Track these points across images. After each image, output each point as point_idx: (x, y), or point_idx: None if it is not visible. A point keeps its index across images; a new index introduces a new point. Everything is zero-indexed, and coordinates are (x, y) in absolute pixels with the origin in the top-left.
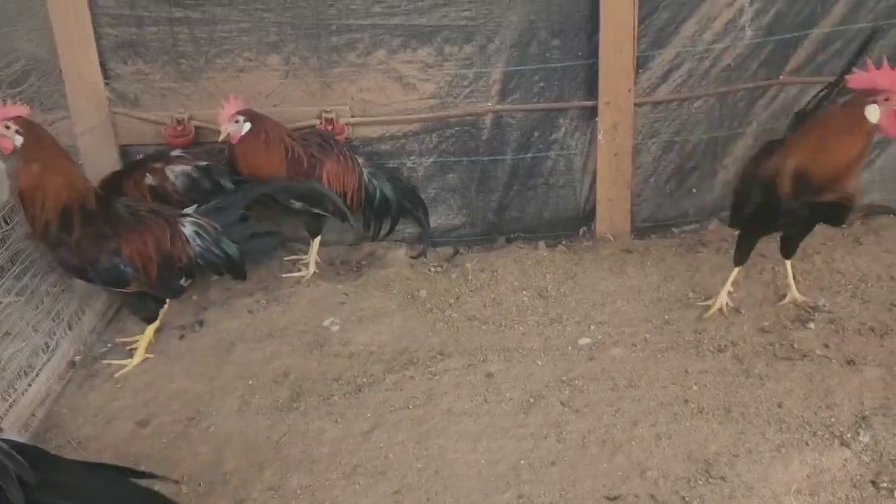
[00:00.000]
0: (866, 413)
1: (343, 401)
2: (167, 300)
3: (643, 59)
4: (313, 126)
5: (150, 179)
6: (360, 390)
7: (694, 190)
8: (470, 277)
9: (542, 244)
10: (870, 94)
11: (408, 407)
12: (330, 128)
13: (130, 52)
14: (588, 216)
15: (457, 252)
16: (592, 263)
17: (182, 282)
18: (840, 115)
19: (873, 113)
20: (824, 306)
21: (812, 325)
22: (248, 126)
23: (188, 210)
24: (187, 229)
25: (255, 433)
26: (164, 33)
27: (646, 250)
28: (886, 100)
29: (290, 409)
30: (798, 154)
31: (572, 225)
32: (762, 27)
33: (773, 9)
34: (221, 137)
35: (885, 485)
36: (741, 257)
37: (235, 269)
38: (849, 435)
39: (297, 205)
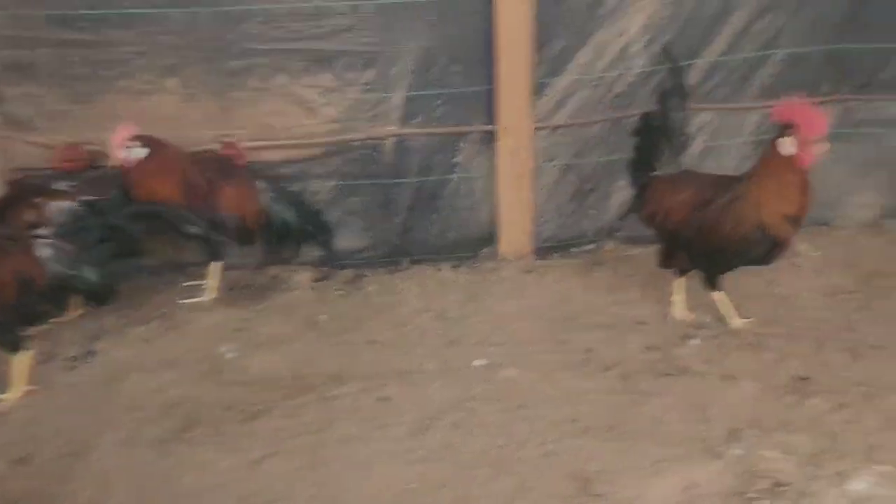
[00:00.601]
0: (739, 426)
1: (236, 430)
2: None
3: (541, 85)
4: (212, 150)
5: (28, 216)
6: (254, 418)
7: (592, 211)
8: (372, 300)
9: (445, 266)
10: (785, 128)
11: (302, 434)
12: (229, 152)
13: (21, 75)
14: (491, 237)
15: (360, 275)
16: (494, 284)
17: (43, 308)
18: (769, 162)
19: (785, 146)
20: (709, 323)
21: (694, 342)
22: (143, 151)
23: (44, 231)
24: (44, 252)
25: (142, 466)
26: (57, 56)
27: (546, 270)
28: (794, 134)
29: (180, 440)
30: (773, 205)
31: (476, 246)
32: (652, 56)
33: (662, 39)
34: (115, 163)
35: (752, 496)
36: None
37: (95, 293)
38: (722, 448)
39: (195, 230)
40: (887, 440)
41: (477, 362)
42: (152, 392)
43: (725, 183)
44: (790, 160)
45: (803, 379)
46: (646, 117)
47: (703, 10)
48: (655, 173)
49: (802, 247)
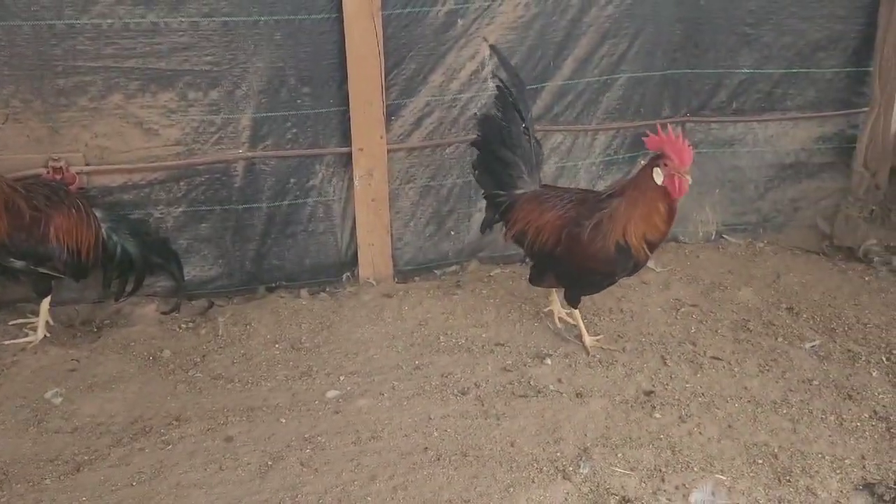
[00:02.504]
0: (588, 445)
1: (56, 484)
2: None
3: (394, 106)
4: (38, 175)
5: None
6: (78, 470)
7: (452, 232)
8: (221, 332)
9: (304, 292)
10: (656, 158)
11: (132, 484)
12: (59, 177)
13: None
14: (351, 261)
15: (212, 305)
16: (351, 311)
17: None
18: (642, 187)
19: (658, 175)
20: (567, 339)
21: (549, 361)
22: None
23: None
24: None
25: None
26: None
27: (406, 294)
28: (666, 164)
29: None
30: (639, 227)
31: (335, 271)
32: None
33: (512, 62)
34: None
35: None
36: (578, 301)
37: None
38: (571, 468)
39: (19, 264)
40: (725, 449)
41: (329, 393)
42: None
43: (591, 201)
44: (662, 189)
45: (648, 393)
46: (484, 124)
47: (549, 37)
48: (520, 191)
49: (650, 263)
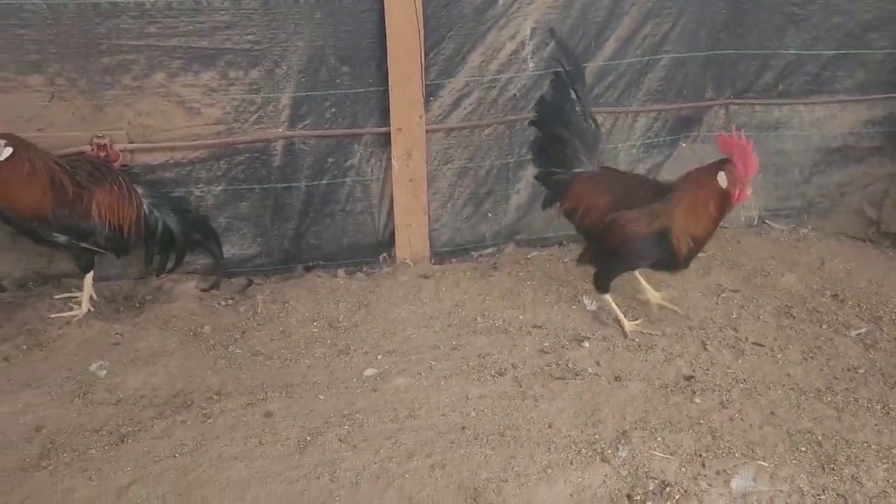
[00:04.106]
0: (626, 428)
1: (101, 454)
2: None
3: (433, 87)
4: (83, 152)
5: None
6: (122, 440)
7: (490, 214)
8: (260, 310)
9: (341, 272)
10: (723, 162)
11: (174, 455)
12: (103, 154)
13: None
14: (388, 242)
15: (250, 283)
16: (388, 291)
17: None
18: (702, 185)
19: (722, 179)
20: (606, 323)
21: (587, 344)
22: (8, 151)
23: None
24: None
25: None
26: None
27: (442, 275)
28: (731, 171)
29: (38, 468)
30: (683, 222)
31: (372, 251)
32: (543, 60)
33: (552, 43)
34: None
35: (638, 497)
36: (607, 287)
37: None
38: (609, 451)
39: (62, 238)
40: (767, 436)
41: (367, 372)
42: (11, 416)
43: (647, 190)
44: (724, 193)
45: (688, 378)
46: (541, 106)
47: (591, 16)
48: (577, 170)
49: None
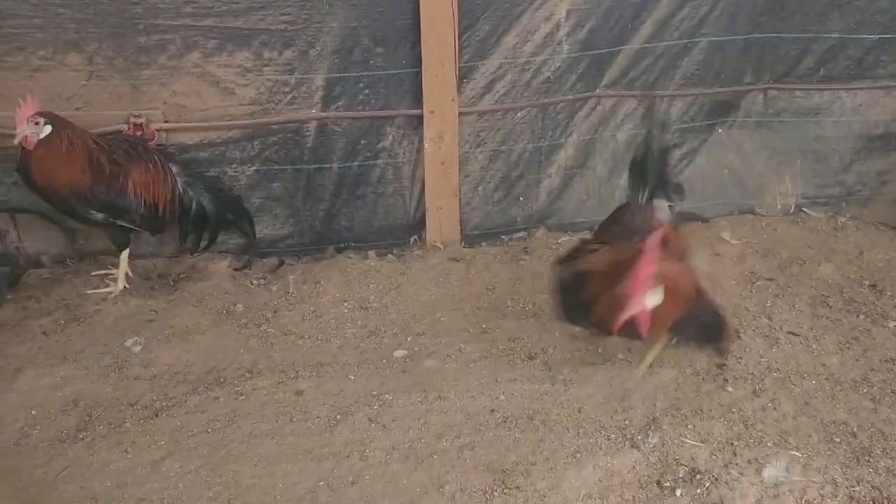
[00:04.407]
0: (657, 415)
1: (136, 428)
2: None
3: (467, 69)
4: (120, 131)
5: None
6: (156, 415)
7: (521, 198)
8: (291, 290)
9: (371, 254)
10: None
11: (207, 431)
12: (139, 133)
13: None
14: (419, 224)
15: (282, 263)
16: (419, 273)
17: None
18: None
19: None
20: None
21: None
22: (48, 129)
23: None
24: None
25: (30, 470)
26: None
27: (473, 259)
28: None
29: (75, 439)
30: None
31: (403, 233)
32: (578, 42)
33: (588, 25)
34: (17, 140)
35: (668, 484)
36: None
37: None
38: (639, 437)
39: (99, 216)
40: (801, 426)
41: (397, 353)
42: (49, 389)
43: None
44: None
45: (720, 366)
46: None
47: None
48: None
49: (725, 235)
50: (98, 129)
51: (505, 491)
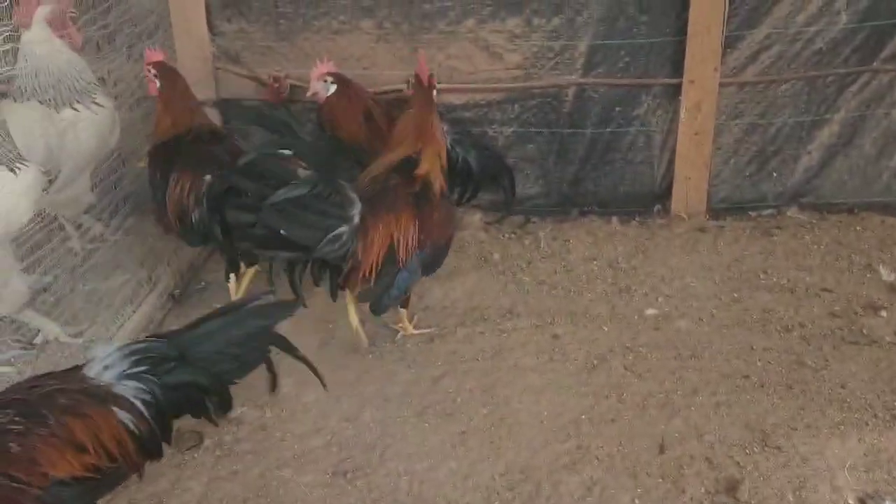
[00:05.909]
0: None
1: (416, 349)
2: None
3: (732, 38)
4: (399, 90)
5: None
6: (432, 340)
7: (774, 174)
8: (542, 245)
9: (614, 219)
10: None
11: (477, 359)
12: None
13: (235, 12)
14: (663, 194)
15: (528, 220)
16: (665, 240)
17: None
18: None
19: None
20: None
21: (884, 314)
22: (333, 87)
23: None
24: None
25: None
26: None
27: (720, 231)
28: None
29: (368, 351)
30: None
31: (646, 202)
32: (858, 12)
33: None
34: (309, 94)
35: None
36: None
37: None
38: None
39: None
40: None
41: (648, 311)
42: None
43: None
44: None
45: None
46: None
47: None
48: None
49: None
50: (381, 88)
51: (765, 448)
